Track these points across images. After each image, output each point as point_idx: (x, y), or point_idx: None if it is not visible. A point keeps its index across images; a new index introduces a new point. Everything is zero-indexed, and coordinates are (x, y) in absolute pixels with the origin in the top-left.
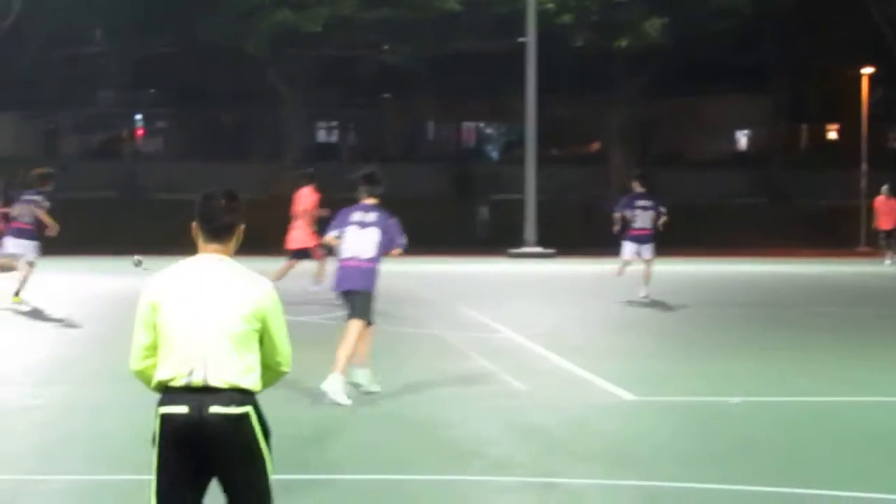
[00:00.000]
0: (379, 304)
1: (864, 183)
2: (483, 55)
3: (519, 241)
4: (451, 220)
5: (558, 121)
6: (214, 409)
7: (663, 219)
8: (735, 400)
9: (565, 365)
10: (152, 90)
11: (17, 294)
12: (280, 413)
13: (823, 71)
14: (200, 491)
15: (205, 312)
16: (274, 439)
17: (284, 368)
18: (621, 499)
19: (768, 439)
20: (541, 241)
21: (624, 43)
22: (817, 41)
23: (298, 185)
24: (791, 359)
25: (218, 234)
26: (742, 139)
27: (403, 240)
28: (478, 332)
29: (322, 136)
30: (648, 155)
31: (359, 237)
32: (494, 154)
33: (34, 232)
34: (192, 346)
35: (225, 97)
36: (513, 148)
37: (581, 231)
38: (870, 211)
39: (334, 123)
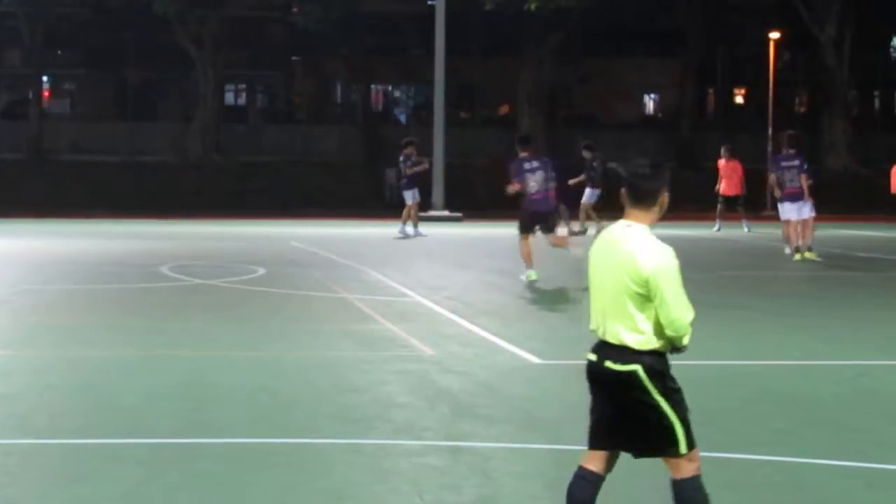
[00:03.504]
0: (285, 268)
1: (770, 146)
2: (392, 17)
3: (426, 204)
4: (359, 182)
5: (468, 83)
6: (608, 363)
7: (809, 181)
8: None
9: (473, 329)
10: (60, 51)
11: None
12: (186, 377)
13: (732, 35)
14: (615, 431)
15: (605, 273)
16: (185, 403)
17: (670, 332)
18: (530, 462)
19: None
20: (448, 205)
21: (534, 6)
22: (727, 5)
23: None
24: (699, 322)
25: (640, 199)
26: (652, 102)
27: None
28: (385, 295)
29: (231, 98)
30: (559, 117)
31: None
32: (403, 116)
33: None
34: (597, 303)
35: (133, 58)
36: (421, 110)
37: (488, 194)
38: (716, 173)
39: (243, 85)
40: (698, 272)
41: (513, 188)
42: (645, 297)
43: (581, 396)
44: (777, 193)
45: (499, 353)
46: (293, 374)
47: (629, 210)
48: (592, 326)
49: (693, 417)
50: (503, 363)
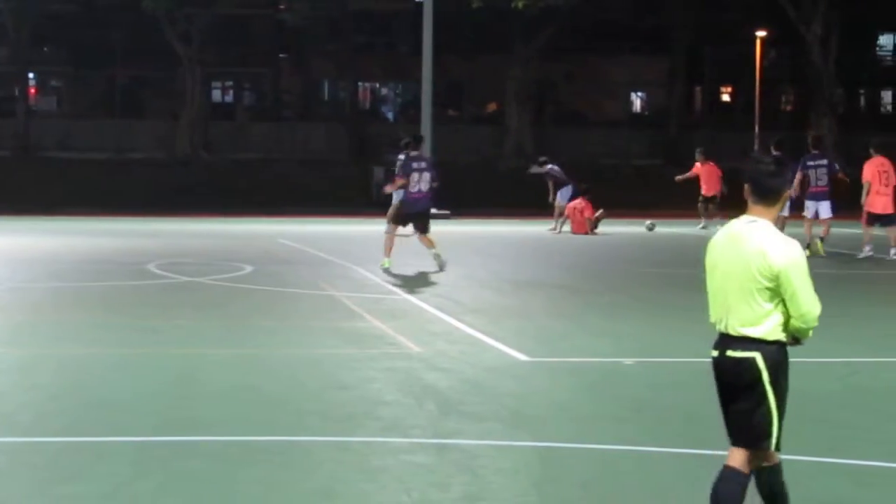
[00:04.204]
0: (272, 266)
1: (756, 145)
2: (380, 14)
3: None
4: (346, 180)
5: (456, 81)
6: (728, 352)
7: (841, 175)
8: (628, 361)
9: (460, 326)
10: (46, 48)
11: None
12: (173, 375)
13: (719, 33)
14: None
15: (730, 267)
16: (172, 401)
17: (800, 324)
18: (517, 459)
19: (666, 400)
20: (435, 202)
21: (521, 3)
22: (714, 3)
23: None
24: (687, 319)
25: (764, 196)
26: (639, 100)
27: None
28: (372, 293)
29: (218, 95)
30: (546, 115)
31: None
32: (391, 114)
33: None
34: (719, 296)
35: (121, 55)
36: (409, 108)
37: (476, 192)
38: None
39: (230, 83)
40: (687, 268)
41: (392, 187)
42: (772, 291)
43: (569, 394)
44: (795, 193)
45: (486, 351)
46: (280, 372)
47: (752, 206)
48: (713, 319)
49: (684, 415)
50: (490, 361)
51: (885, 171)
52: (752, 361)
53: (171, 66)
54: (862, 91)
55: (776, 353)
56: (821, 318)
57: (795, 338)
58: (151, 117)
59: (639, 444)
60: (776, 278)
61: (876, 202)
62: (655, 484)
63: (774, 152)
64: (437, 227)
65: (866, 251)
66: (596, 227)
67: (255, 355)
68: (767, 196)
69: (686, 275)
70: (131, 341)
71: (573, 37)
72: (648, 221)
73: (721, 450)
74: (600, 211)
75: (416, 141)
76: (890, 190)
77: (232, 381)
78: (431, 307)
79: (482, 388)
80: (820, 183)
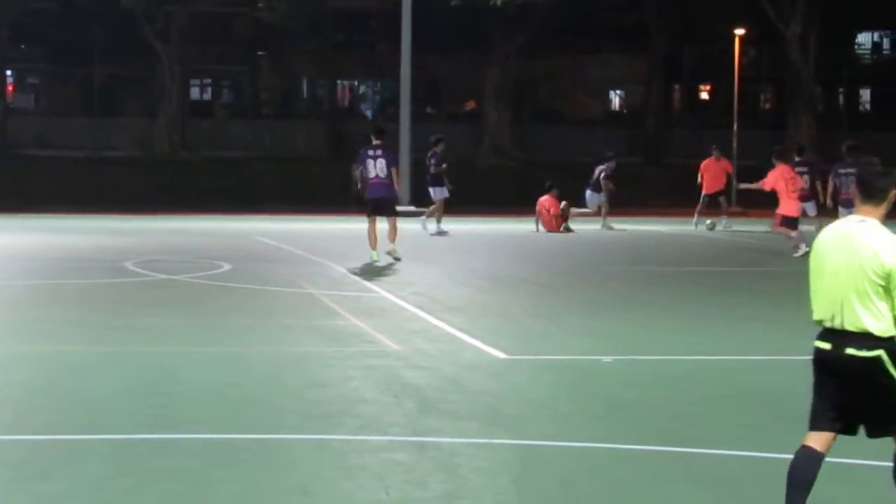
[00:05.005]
0: (251, 264)
1: (735, 143)
2: (359, 12)
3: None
4: (325, 178)
5: (435, 79)
6: (849, 350)
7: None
8: (607, 359)
9: (439, 324)
10: (24, 45)
11: None
12: (151, 373)
13: (698, 31)
14: (844, 414)
15: (842, 266)
16: (151, 399)
17: None
18: (495, 457)
19: (645, 398)
20: (414, 200)
21: (499, 2)
22: (693, 1)
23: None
24: (667, 317)
25: (872, 196)
26: (619, 98)
27: None
28: (351, 291)
29: (196, 93)
30: (525, 113)
31: None
32: (369, 112)
33: None
34: (830, 293)
35: (99, 53)
36: (387, 106)
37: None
38: (695, 173)
39: (208, 81)
40: (666, 265)
41: (356, 176)
42: (885, 289)
43: (548, 392)
44: (829, 201)
45: (464, 349)
46: (259, 370)
47: (860, 206)
48: (821, 316)
49: (663, 413)
50: (469, 359)
51: (790, 178)
52: (878, 359)
53: (150, 64)
54: (841, 90)
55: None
56: (800, 314)
57: None
58: (129, 115)
59: (618, 441)
60: (888, 276)
61: (791, 206)
62: (635, 482)
63: (848, 158)
64: (416, 225)
65: (803, 248)
66: (566, 221)
67: (233, 353)
68: (875, 196)
69: (665, 272)
70: (109, 339)
71: (552, 35)
72: (709, 221)
73: (703, 447)
74: (563, 203)
75: (376, 131)
76: (797, 194)
77: (210, 379)
78: (410, 305)
79: (461, 386)
80: (849, 190)
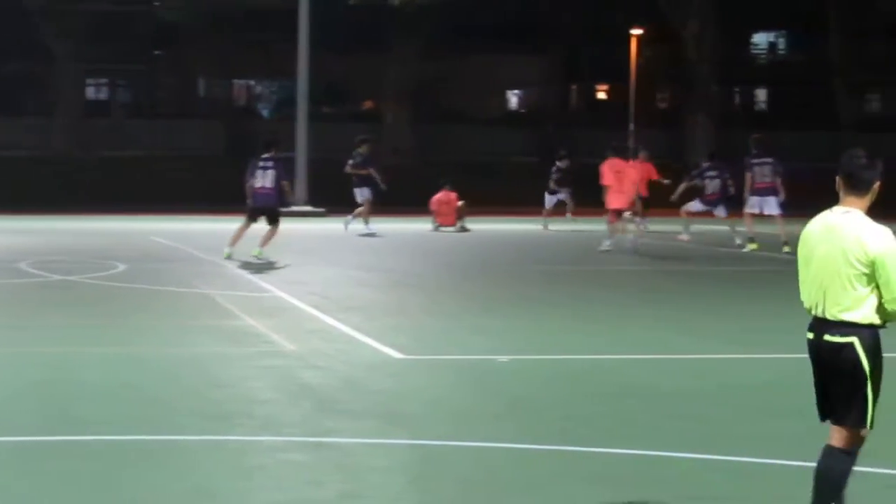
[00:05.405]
0: (147, 264)
1: (632, 142)
2: (257, 11)
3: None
4: (222, 178)
5: (333, 79)
6: (826, 337)
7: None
8: (503, 359)
9: (335, 324)
10: None
11: None
12: (48, 375)
13: (596, 32)
14: (828, 403)
15: (827, 255)
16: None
17: (892, 307)
18: (393, 457)
19: (542, 397)
20: (311, 200)
21: (398, 1)
22: (592, 2)
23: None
24: (565, 316)
25: (857, 187)
26: (518, 98)
27: None
28: (247, 291)
29: (93, 92)
30: (424, 113)
31: None
32: (266, 111)
33: None
34: (815, 282)
35: None
36: (285, 105)
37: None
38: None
39: (105, 80)
40: (565, 265)
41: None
42: (868, 277)
43: (445, 392)
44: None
45: (361, 349)
46: (156, 371)
47: (845, 197)
48: (808, 305)
49: (560, 412)
50: (365, 358)
51: (619, 171)
52: (851, 346)
53: (47, 62)
54: (737, 89)
55: (871, 336)
56: (693, 313)
57: (888, 320)
58: (26, 114)
59: (516, 441)
60: (871, 264)
61: (619, 199)
62: (532, 481)
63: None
64: (313, 224)
65: (606, 244)
66: (461, 219)
67: (130, 354)
68: (860, 187)
69: (564, 271)
70: (4, 340)
71: (451, 35)
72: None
73: (598, 446)
74: (461, 203)
75: (266, 145)
76: (627, 188)
77: (107, 380)
78: (307, 305)
79: (358, 385)
80: (763, 179)
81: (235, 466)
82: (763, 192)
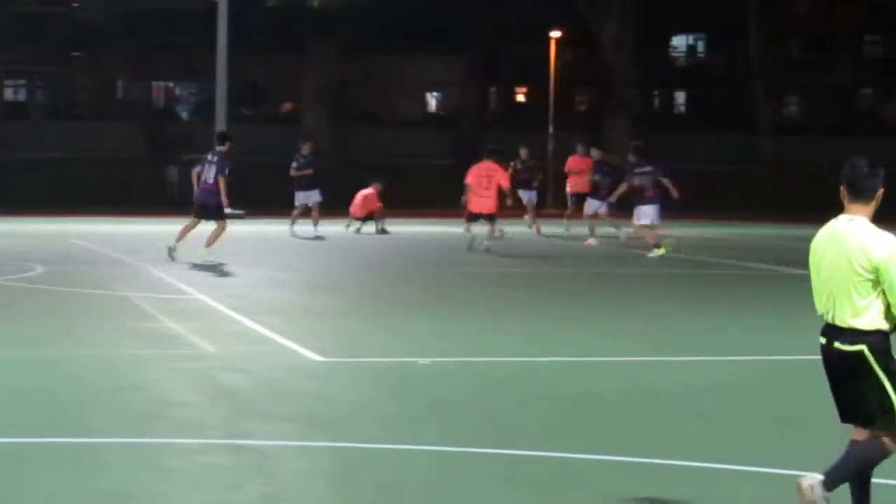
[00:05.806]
0: (65, 266)
1: (551, 145)
2: (175, 12)
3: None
4: (141, 179)
5: (252, 80)
6: (836, 344)
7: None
8: (423, 361)
9: (255, 327)
10: None
11: None
12: None
13: (514, 34)
14: (846, 404)
15: (834, 262)
16: None
17: None
18: (313, 460)
19: (464, 400)
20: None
21: (316, 3)
22: (509, 3)
23: None
24: (484, 318)
25: (861, 195)
26: (436, 100)
27: None
28: (166, 293)
29: (10, 93)
30: (342, 114)
31: None
32: (185, 113)
33: None
34: (825, 289)
35: None
36: (204, 107)
37: (272, 192)
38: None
39: (23, 81)
40: (487, 267)
41: (194, 176)
42: (873, 283)
43: (366, 395)
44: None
45: (281, 352)
46: (72, 374)
47: (850, 205)
48: (821, 311)
49: (481, 414)
50: (286, 361)
51: (487, 175)
52: (860, 354)
53: None
54: (656, 92)
55: (881, 341)
56: (614, 316)
57: (892, 325)
58: None
59: (437, 443)
60: (875, 270)
61: (480, 203)
62: (454, 484)
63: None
64: (232, 227)
65: (468, 237)
66: (381, 221)
67: (45, 356)
68: (864, 195)
69: (485, 273)
70: None
71: (370, 37)
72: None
73: (516, 449)
74: (380, 206)
75: (220, 138)
76: (492, 192)
77: (22, 382)
78: (226, 307)
79: (278, 388)
80: (646, 189)
81: (152, 469)
82: (646, 200)
